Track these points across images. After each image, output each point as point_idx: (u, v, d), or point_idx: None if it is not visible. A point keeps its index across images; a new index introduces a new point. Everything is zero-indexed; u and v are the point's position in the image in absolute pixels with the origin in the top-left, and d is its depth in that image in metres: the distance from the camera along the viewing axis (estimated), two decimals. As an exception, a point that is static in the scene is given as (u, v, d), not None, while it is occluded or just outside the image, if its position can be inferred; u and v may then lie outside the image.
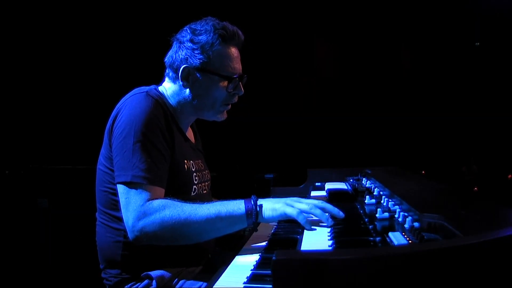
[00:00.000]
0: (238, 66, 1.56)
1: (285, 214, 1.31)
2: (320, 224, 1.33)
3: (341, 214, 1.33)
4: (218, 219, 1.29)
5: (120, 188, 1.33)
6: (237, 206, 1.31)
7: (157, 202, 1.29)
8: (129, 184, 1.31)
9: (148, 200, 1.29)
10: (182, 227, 1.27)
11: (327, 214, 1.32)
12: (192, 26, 1.54)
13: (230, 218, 1.30)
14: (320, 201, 1.37)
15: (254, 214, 1.30)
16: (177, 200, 1.31)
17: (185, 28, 1.55)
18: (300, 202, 1.35)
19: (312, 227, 1.31)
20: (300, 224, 1.32)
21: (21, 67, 3.58)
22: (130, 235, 1.29)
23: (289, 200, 1.36)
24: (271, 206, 1.33)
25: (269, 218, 1.32)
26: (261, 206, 1.32)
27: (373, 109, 4.09)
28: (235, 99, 1.60)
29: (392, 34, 4.11)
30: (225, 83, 1.53)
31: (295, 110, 4.07)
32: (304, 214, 1.31)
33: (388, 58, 4.15)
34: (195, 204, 1.31)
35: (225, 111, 1.61)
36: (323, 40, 4.16)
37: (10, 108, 3.56)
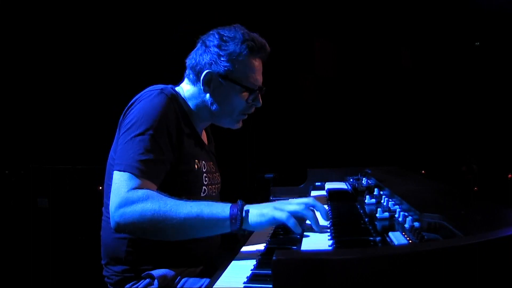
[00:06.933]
0: (260, 78, 1.57)
1: (274, 218, 1.21)
2: (308, 230, 1.26)
3: (327, 220, 1.29)
4: (199, 218, 1.22)
5: (114, 175, 1.32)
6: (222, 209, 1.24)
7: (142, 191, 1.26)
8: (122, 173, 1.30)
9: (135, 188, 1.27)
10: (161, 220, 1.22)
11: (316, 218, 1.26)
12: (221, 32, 1.52)
13: (212, 220, 1.23)
14: (311, 199, 1.30)
15: (238, 220, 1.21)
16: (164, 194, 1.27)
17: (212, 32, 1.54)
18: (290, 204, 1.25)
19: (305, 233, 1.24)
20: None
21: (21, 67, 3.58)
22: (111, 222, 1.27)
23: (278, 203, 1.27)
24: (258, 212, 1.23)
25: (256, 224, 1.23)
26: (247, 211, 1.23)
27: (373, 109, 4.09)
28: (253, 109, 1.60)
29: (392, 34, 4.11)
30: (246, 93, 1.53)
31: (295, 110, 4.07)
32: (295, 216, 1.21)
33: (388, 57, 4.16)
34: (179, 200, 1.26)
35: (241, 120, 1.61)
36: (323, 40, 4.16)
37: (10, 108, 3.56)
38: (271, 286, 0.66)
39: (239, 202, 1.26)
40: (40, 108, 3.60)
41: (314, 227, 1.25)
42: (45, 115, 3.60)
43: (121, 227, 1.26)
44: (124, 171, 1.29)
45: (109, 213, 1.47)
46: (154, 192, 1.27)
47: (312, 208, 1.27)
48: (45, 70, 3.61)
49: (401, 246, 0.89)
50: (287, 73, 4.03)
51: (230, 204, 1.26)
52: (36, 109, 3.60)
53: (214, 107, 1.54)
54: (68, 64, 3.65)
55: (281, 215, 1.21)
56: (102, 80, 3.60)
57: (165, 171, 1.38)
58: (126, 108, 1.46)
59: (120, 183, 1.29)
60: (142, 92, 1.48)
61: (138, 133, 1.34)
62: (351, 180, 2.09)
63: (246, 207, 1.24)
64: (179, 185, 1.41)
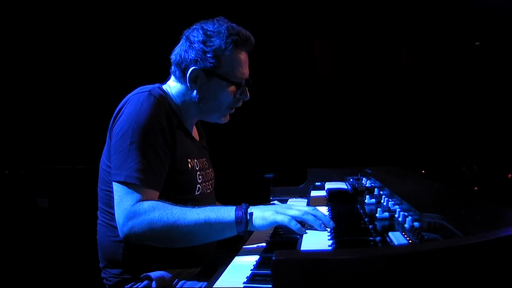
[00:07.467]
0: (246, 71, 1.55)
1: (276, 222, 1.27)
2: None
3: (331, 223, 1.27)
4: (207, 224, 1.27)
5: (115, 186, 1.34)
6: (227, 213, 1.28)
7: (147, 204, 1.29)
8: (123, 184, 1.31)
9: (139, 201, 1.29)
10: (171, 230, 1.27)
11: (319, 221, 1.27)
12: (204, 26, 1.49)
13: (219, 224, 1.28)
14: (311, 208, 1.31)
15: (244, 222, 1.27)
16: (168, 203, 1.31)
17: (196, 27, 1.51)
18: (290, 208, 1.30)
19: (306, 230, 1.27)
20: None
21: (21, 67, 3.58)
22: (120, 234, 1.30)
23: (279, 207, 1.32)
24: (261, 215, 1.28)
25: (259, 226, 1.28)
26: (251, 214, 1.28)
27: (373, 109, 4.09)
28: (240, 103, 1.59)
29: (392, 34, 4.11)
30: (233, 88, 1.52)
31: (295, 110, 4.07)
32: (296, 220, 1.26)
33: (388, 57, 4.15)
34: (185, 208, 1.30)
35: (228, 114, 1.60)
36: (323, 40, 4.15)
37: (10, 108, 3.56)
38: (271, 286, 0.66)
39: (243, 205, 1.30)
40: (40, 108, 3.60)
41: (317, 228, 1.26)
42: (45, 115, 3.60)
43: (131, 238, 1.30)
44: (124, 182, 1.30)
45: (104, 218, 1.48)
46: (159, 202, 1.30)
47: (313, 214, 1.28)
48: (44, 70, 3.61)
49: (401, 246, 0.89)
50: (287, 73, 4.02)
51: (235, 207, 1.30)
52: (36, 109, 3.60)
53: (202, 103, 1.52)
54: (68, 64, 3.64)
55: (283, 219, 1.26)
56: (102, 80, 3.60)
57: (164, 174, 1.38)
58: (115, 113, 1.44)
59: (123, 196, 1.30)
60: (129, 96, 1.45)
61: (133, 140, 1.33)
62: (351, 180, 2.09)
63: (249, 210, 1.29)
64: (174, 186, 1.41)
